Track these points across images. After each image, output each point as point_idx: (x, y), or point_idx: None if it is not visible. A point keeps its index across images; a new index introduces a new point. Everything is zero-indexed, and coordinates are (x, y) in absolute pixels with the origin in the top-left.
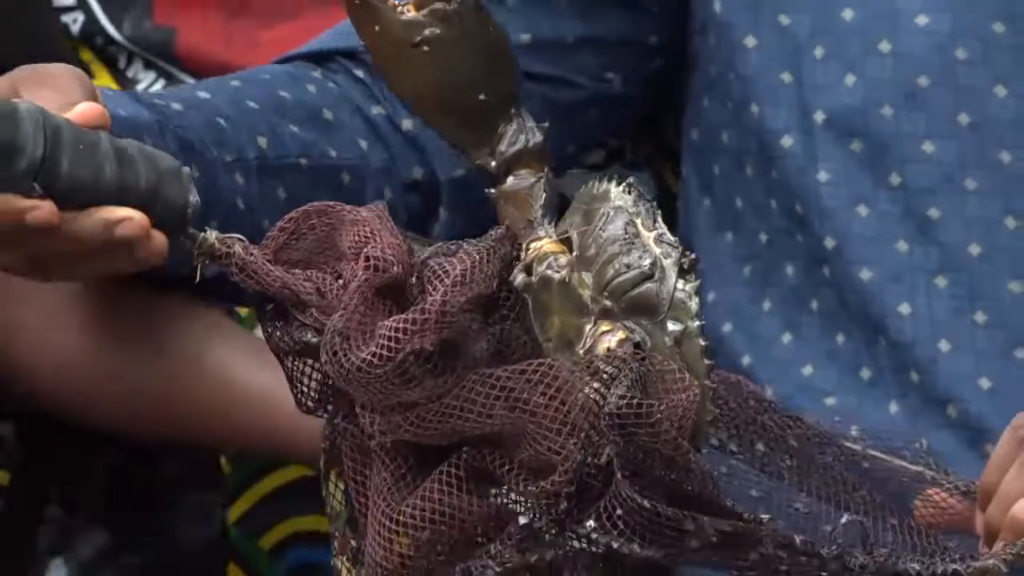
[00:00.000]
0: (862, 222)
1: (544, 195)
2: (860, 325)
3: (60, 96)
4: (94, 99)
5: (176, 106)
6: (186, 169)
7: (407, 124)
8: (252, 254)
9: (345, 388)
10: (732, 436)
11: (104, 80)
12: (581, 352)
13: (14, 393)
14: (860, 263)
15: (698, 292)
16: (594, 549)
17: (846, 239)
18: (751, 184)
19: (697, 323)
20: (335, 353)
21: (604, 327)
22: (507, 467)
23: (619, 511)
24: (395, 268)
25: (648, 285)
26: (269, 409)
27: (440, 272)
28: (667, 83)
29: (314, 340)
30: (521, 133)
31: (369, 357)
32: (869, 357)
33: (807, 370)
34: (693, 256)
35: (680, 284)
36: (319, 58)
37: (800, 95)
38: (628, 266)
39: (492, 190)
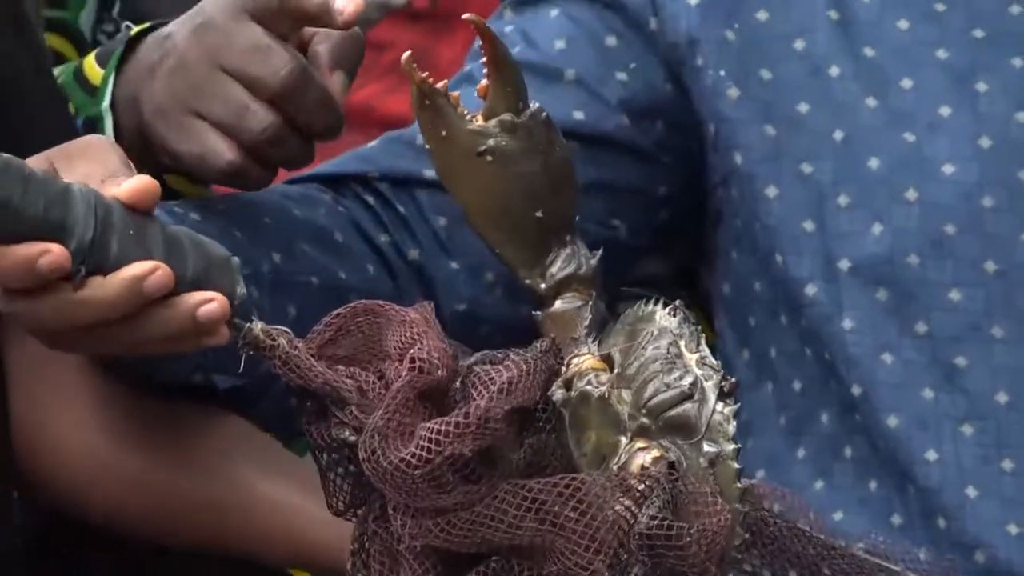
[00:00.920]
0: (887, 370)
1: (590, 316)
2: (890, 471)
3: (100, 168)
4: (131, 171)
5: (194, 215)
6: (236, 260)
7: (413, 254)
8: (296, 348)
9: (380, 487)
10: (765, 563)
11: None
12: (615, 467)
13: (39, 498)
14: (887, 410)
15: (736, 416)
16: None
17: (872, 387)
18: (785, 333)
19: (732, 446)
20: (373, 451)
21: (640, 444)
22: None
23: None
24: (439, 372)
25: (687, 405)
26: (294, 520)
27: (486, 379)
28: (670, 237)
29: (352, 438)
30: (574, 258)
31: (407, 458)
32: (900, 503)
33: (838, 516)
34: (734, 380)
35: (719, 407)
36: (331, 181)
37: (824, 243)
38: (668, 385)
39: (538, 312)
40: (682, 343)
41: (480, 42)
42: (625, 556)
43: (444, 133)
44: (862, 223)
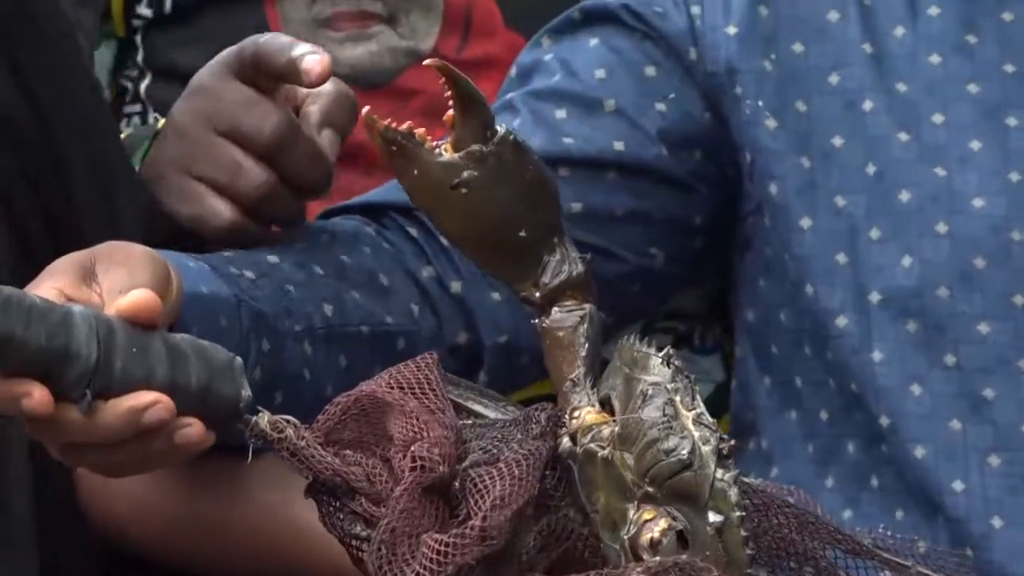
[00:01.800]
0: (916, 401)
1: (587, 343)
2: (917, 501)
3: (129, 279)
4: (168, 283)
5: (249, 274)
6: (239, 362)
7: (456, 287)
8: (303, 438)
9: None
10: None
11: None
12: (625, 539)
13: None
14: (915, 441)
15: (736, 481)
16: None
17: (900, 417)
18: (809, 363)
19: (738, 513)
20: (381, 566)
21: (647, 515)
22: None
23: None
24: (441, 467)
25: (687, 474)
26: (335, 546)
27: (481, 488)
28: (704, 264)
29: (363, 533)
30: (564, 264)
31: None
32: (927, 532)
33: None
34: (732, 443)
35: (719, 473)
36: (374, 211)
37: (855, 276)
38: (667, 452)
39: (536, 320)
40: (677, 399)
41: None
42: None
43: (416, 172)
44: (893, 256)
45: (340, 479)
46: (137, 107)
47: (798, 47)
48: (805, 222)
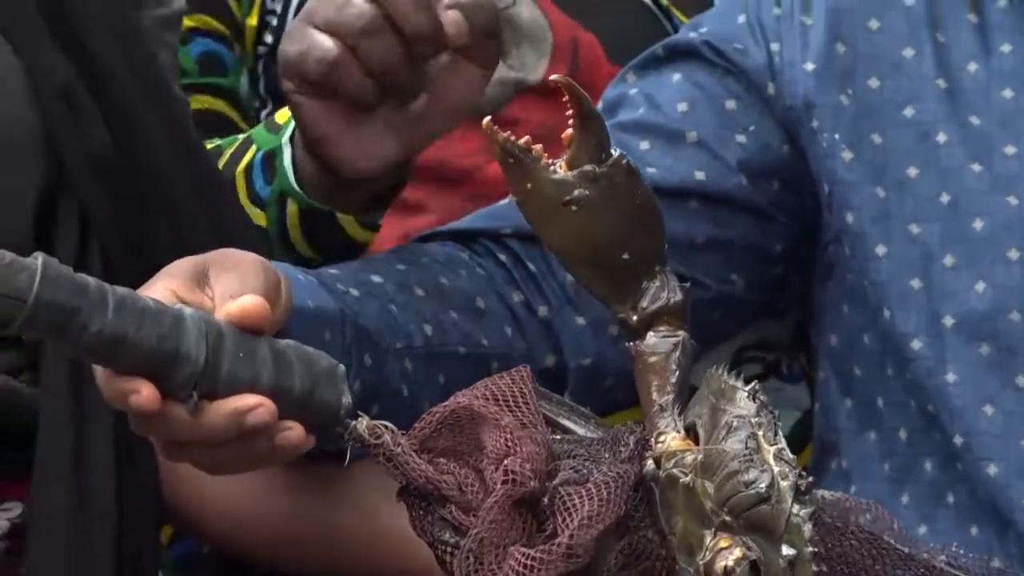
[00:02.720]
0: (988, 421)
1: (678, 371)
2: (990, 518)
3: (240, 285)
4: (278, 291)
5: (354, 292)
6: (341, 369)
7: (543, 311)
8: (399, 444)
9: None
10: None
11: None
12: (700, 564)
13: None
14: (987, 459)
15: (812, 517)
16: None
17: (973, 436)
18: (891, 384)
19: (810, 549)
20: (468, 573)
21: (723, 543)
22: None
23: None
24: (532, 483)
25: (764, 507)
26: (420, 549)
27: (570, 506)
28: (782, 291)
29: (451, 540)
30: (663, 291)
31: None
32: (999, 548)
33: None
34: (810, 479)
35: (796, 509)
36: (464, 237)
37: (929, 301)
38: (747, 484)
39: (630, 344)
40: (760, 433)
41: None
42: None
43: (529, 186)
44: (966, 281)
45: (432, 486)
46: None
47: (874, 82)
48: (880, 249)
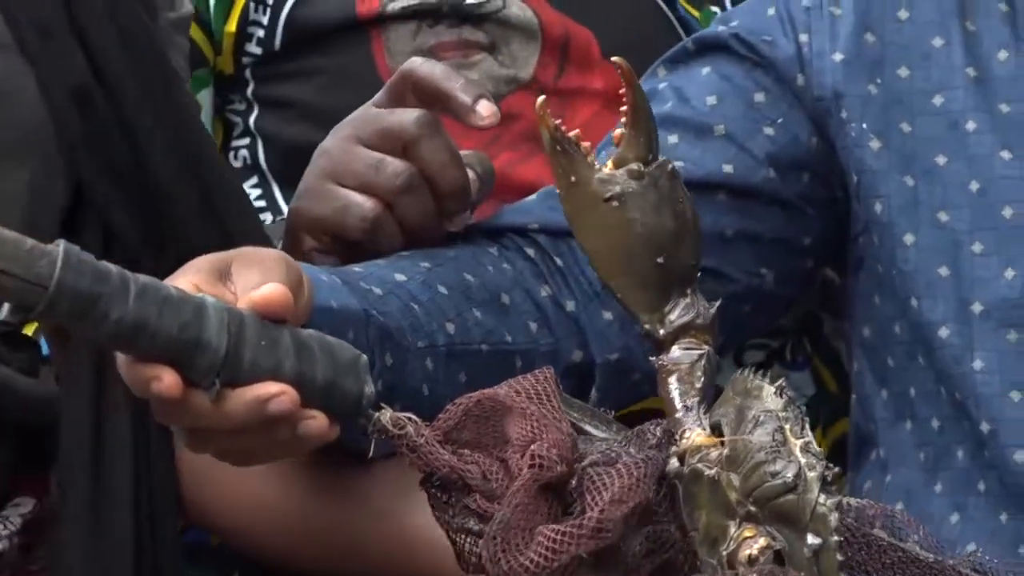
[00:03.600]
0: (1015, 407)
1: (704, 377)
2: (1019, 504)
3: (262, 279)
4: (300, 286)
5: (377, 291)
6: (364, 359)
7: (570, 306)
8: (423, 435)
9: None
10: None
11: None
12: (724, 554)
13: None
14: (1015, 446)
15: (838, 507)
16: None
17: (1001, 424)
18: (923, 373)
19: (835, 538)
20: (495, 554)
21: (748, 532)
22: None
23: None
24: (559, 467)
25: (790, 497)
26: (444, 552)
27: (599, 485)
28: (813, 284)
29: (475, 528)
30: (693, 307)
31: (527, 563)
32: None
33: (970, 548)
34: (837, 470)
35: (822, 498)
36: (493, 233)
37: (957, 288)
38: (773, 475)
39: (655, 357)
40: (787, 427)
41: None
42: None
43: (573, 179)
44: (995, 268)
45: (456, 475)
46: (246, 140)
47: (903, 71)
48: (908, 238)
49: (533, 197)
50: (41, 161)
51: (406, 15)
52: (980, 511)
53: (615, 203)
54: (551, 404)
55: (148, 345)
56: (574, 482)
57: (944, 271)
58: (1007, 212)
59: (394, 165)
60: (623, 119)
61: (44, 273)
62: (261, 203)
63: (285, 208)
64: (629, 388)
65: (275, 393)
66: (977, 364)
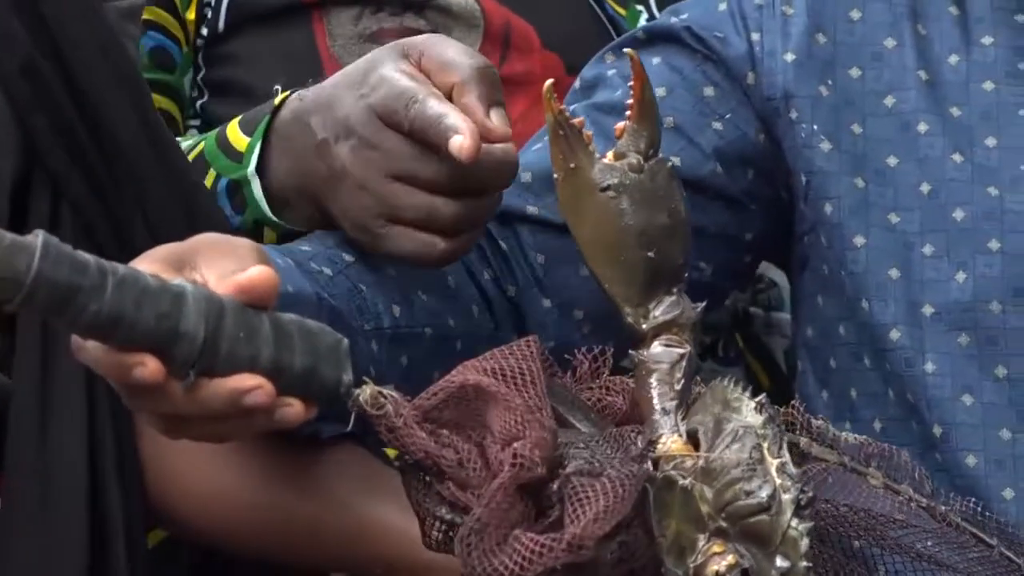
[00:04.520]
0: (967, 411)
1: (683, 380)
2: None
3: (239, 265)
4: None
5: (327, 271)
6: (345, 345)
7: (511, 291)
8: (401, 415)
9: None
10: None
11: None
12: (691, 566)
13: (163, 514)
14: (966, 450)
15: (810, 533)
16: None
17: (952, 427)
18: (867, 375)
19: (804, 564)
20: (469, 552)
21: (716, 548)
22: None
23: None
24: (539, 469)
25: (763, 517)
26: (405, 543)
27: (583, 497)
28: (749, 280)
29: (446, 516)
30: (678, 306)
31: (501, 569)
32: None
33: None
34: (811, 495)
35: (794, 522)
36: None
37: (908, 290)
38: (747, 493)
39: (634, 352)
40: (765, 445)
41: (632, 80)
42: None
43: (572, 165)
44: (946, 271)
45: (431, 461)
46: (196, 122)
47: (855, 72)
48: (859, 240)
49: None
50: None
51: (349, 1)
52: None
53: (611, 193)
54: (535, 391)
55: (126, 336)
56: (555, 486)
57: (895, 273)
58: (958, 215)
59: (444, 211)
60: (628, 112)
61: (22, 268)
62: None
63: None
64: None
65: (251, 387)
66: (929, 367)
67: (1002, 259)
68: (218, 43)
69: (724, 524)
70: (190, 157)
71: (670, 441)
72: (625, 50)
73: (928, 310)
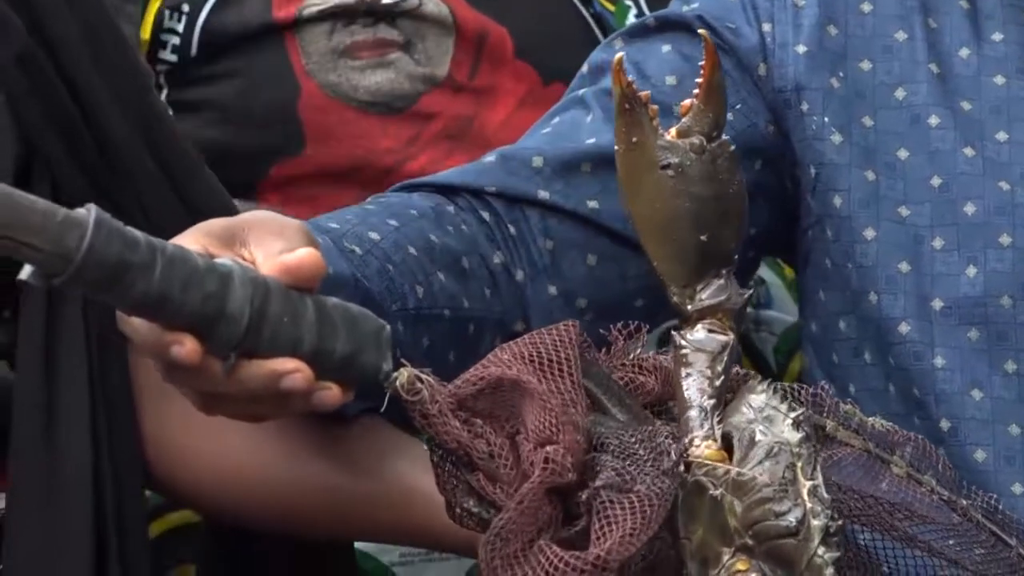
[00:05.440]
0: (976, 406)
1: (723, 376)
2: None
3: (287, 245)
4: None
5: (358, 251)
6: (387, 331)
7: (519, 275)
8: (436, 401)
9: None
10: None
11: None
12: None
13: (176, 494)
14: (975, 444)
15: (835, 563)
16: None
17: (961, 422)
18: (868, 371)
19: None
20: (493, 557)
21: (740, 565)
22: None
23: None
24: (570, 475)
25: (790, 541)
26: (437, 512)
27: (611, 515)
28: (752, 274)
29: (475, 508)
30: (726, 290)
31: None
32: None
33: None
34: (840, 523)
35: (821, 551)
36: (446, 190)
37: (918, 284)
38: (777, 515)
39: (676, 332)
40: (799, 466)
41: (704, 59)
42: None
43: (635, 139)
44: (957, 265)
45: (463, 452)
46: None
47: (866, 64)
48: (869, 233)
49: (491, 158)
50: None
51: (322, 17)
52: (935, 508)
53: (671, 172)
54: (571, 382)
55: (171, 315)
56: (583, 495)
57: (904, 267)
58: (969, 209)
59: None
60: (695, 90)
61: (72, 243)
62: None
63: None
64: None
65: (290, 370)
66: (938, 361)
67: (1013, 254)
68: (190, 66)
69: (750, 542)
70: None
71: (704, 445)
72: (700, 31)
73: (938, 304)
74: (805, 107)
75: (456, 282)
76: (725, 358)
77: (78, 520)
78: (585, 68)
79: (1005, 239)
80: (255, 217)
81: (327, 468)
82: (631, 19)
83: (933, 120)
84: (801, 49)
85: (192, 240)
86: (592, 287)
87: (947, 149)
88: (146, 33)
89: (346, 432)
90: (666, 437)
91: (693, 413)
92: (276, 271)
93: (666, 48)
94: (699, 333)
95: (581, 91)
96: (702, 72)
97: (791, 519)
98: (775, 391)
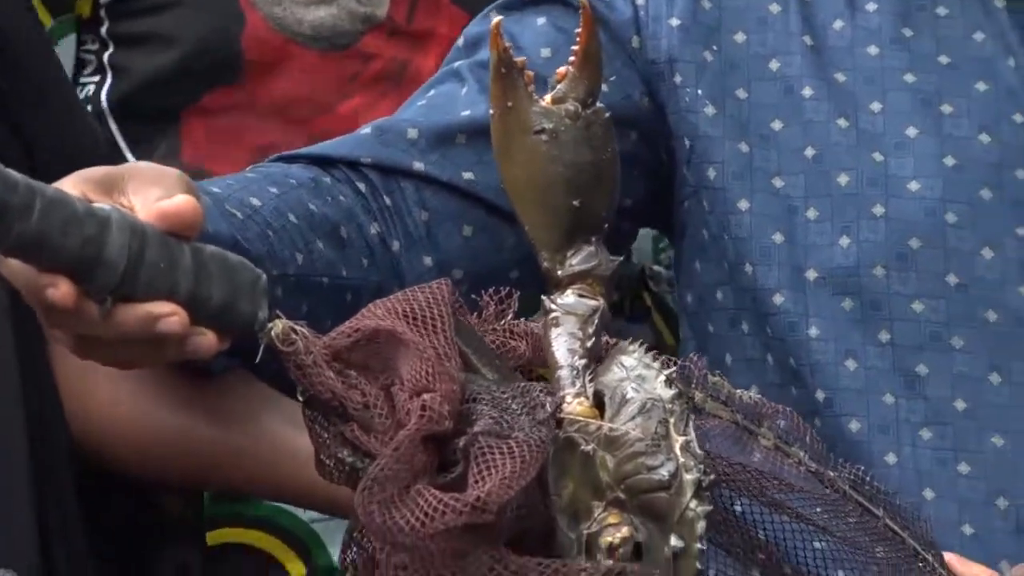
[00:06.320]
0: (851, 376)
1: (594, 337)
2: None
3: (166, 193)
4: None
5: (238, 215)
6: (263, 281)
7: (395, 246)
8: (311, 352)
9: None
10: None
11: None
12: (584, 533)
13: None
14: (849, 415)
15: (707, 516)
16: None
17: (835, 392)
18: (744, 341)
19: (698, 546)
20: (369, 508)
21: (612, 519)
22: None
23: None
24: (447, 423)
25: (662, 495)
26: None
27: (489, 459)
28: (627, 245)
29: (349, 458)
30: (595, 257)
31: (402, 523)
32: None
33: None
34: (712, 477)
35: (693, 504)
36: (322, 162)
37: (792, 254)
38: (649, 468)
39: (547, 298)
40: (671, 421)
41: (580, 26)
42: None
43: (510, 104)
44: (830, 236)
45: (337, 402)
46: (95, 77)
47: (740, 36)
48: (743, 204)
49: (366, 130)
50: None
51: None
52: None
53: (544, 137)
54: (445, 337)
55: (49, 258)
56: (461, 442)
57: (778, 237)
58: (842, 179)
59: None
60: (571, 57)
61: None
62: None
63: (122, 145)
64: None
65: (166, 313)
66: (812, 331)
67: (886, 224)
68: None
69: (622, 495)
70: None
71: (575, 402)
72: (579, 1)
73: (812, 275)
74: (678, 79)
75: (334, 251)
76: (596, 321)
77: (22, 528)
78: (461, 41)
79: (878, 209)
80: (135, 166)
81: (214, 422)
82: None
83: (807, 91)
84: (675, 22)
85: (71, 185)
86: (467, 258)
87: (820, 120)
88: None
89: (220, 386)
90: (540, 392)
91: (564, 372)
92: (154, 217)
93: (541, 20)
94: (569, 297)
95: (456, 63)
96: (578, 41)
97: (663, 473)
98: (645, 350)
